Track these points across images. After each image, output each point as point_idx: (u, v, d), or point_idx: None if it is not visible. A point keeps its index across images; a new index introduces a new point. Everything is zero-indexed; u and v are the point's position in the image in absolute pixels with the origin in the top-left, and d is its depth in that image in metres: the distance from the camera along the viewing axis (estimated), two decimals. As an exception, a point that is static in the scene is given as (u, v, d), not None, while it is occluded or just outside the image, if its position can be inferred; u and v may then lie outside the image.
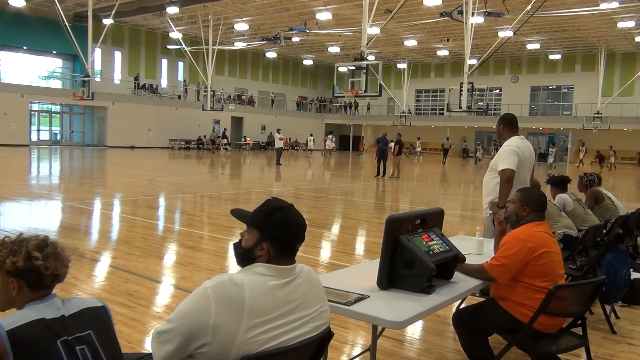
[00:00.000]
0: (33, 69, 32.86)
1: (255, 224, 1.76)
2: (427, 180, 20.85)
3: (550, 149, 31.80)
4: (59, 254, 1.69)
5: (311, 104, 48.85)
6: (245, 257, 1.77)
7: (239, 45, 37.70)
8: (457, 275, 2.87)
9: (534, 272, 2.82)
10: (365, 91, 18.04)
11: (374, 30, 22.27)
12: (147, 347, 3.33)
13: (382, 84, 19.51)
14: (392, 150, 19.70)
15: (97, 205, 10.35)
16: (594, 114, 35.16)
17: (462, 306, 3.73)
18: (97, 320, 1.73)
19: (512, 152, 4.25)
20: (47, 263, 1.64)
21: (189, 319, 1.60)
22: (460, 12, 22.39)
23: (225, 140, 37.94)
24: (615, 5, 23.96)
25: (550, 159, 30.28)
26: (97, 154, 27.32)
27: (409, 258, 2.56)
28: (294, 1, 28.31)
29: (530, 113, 42.07)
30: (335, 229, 9.01)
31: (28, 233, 1.73)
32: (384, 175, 19.03)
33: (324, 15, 28.88)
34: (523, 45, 36.77)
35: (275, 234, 1.73)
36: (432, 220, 2.90)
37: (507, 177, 4.14)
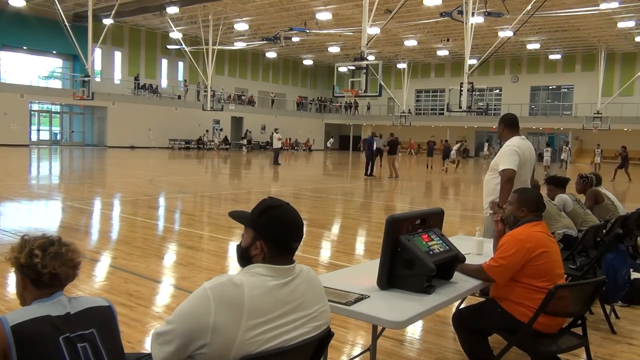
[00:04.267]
0: (33, 69, 32.88)
1: (250, 223, 1.76)
2: (427, 180, 20.84)
3: (545, 150, 31.26)
4: (61, 254, 1.70)
5: (311, 104, 48.87)
6: (243, 257, 1.77)
7: (239, 45, 37.72)
8: (457, 275, 2.87)
9: (532, 272, 2.82)
10: (365, 91, 18.05)
11: (374, 30, 22.27)
12: (147, 347, 3.33)
13: (382, 84, 19.52)
14: (388, 150, 19.68)
15: (97, 205, 10.35)
16: (594, 114, 35.17)
17: (462, 306, 3.73)
18: (101, 319, 1.75)
19: (513, 152, 4.24)
20: (45, 262, 1.66)
21: (189, 320, 1.60)
22: (460, 12, 22.40)
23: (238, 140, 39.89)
24: (615, 5, 23.98)
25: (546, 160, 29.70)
26: (97, 154, 27.32)
27: (409, 258, 2.55)
28: (294, 1, 28.32)
29: (530, 113, 42.08)
30: (335, 229, 9.01)
31: (48, 233, 1.78)
32: (371, 174, 19.01)
33: (324, 15, 28.88)
34: (523, 45, 36.79)
35: (268, 232, 1.72)
36: (432, 220, 2.90)
37: (508, 177, 4.14)
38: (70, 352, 1.61)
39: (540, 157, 34.08)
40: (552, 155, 28.54)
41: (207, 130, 38.15)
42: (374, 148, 19.99)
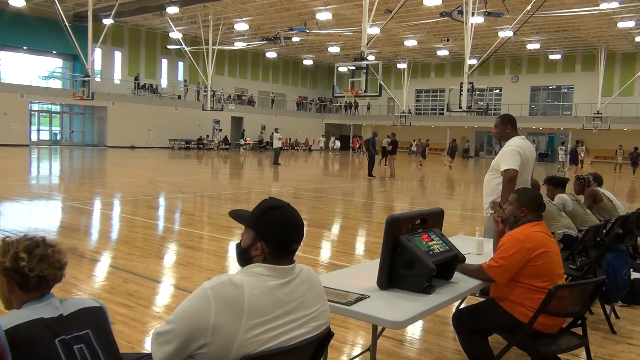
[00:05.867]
0: (33, 69, 32.87)
1: (250, 223, 1.76)
2: (427, 180, 20.85)
3: (560, 148, 31.21)
4: (47, 256, 1.67)
5: (311, 104, 48.88)
6: (243, 257, 1.77)
7: (239, 45, 37.72)
8: (457, 275, 2.87)
9: (532, 272, 2.82)
10: (365, 91, 18.05)
11: (374, 30, 22.28)
12: (147, 347, 3.33)
13: (382, 84, 19.51)
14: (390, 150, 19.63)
15: (97, 205, 10.35)
16: (594, 114, 35.17)
17: (462, 306, 3.73)
18: (95, 320, 1.73)
19: (515, 152, 4.23)
20: (32, 264, 1.63)
21: (189, 319, 1.60)
22: (460, 12, 22.40)
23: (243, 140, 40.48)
24: (615, 5, 23.98)
25: (563, 159, 29.57)
26: (97, 154, 27.32)
27: (409, 258, 2.55)
28: (294, 1, 28.32)
29: (530, 113, 42.09)
30: (335, 229, 9.01)
31: (31, 234, 1.73)
32: (370, 174, 18.97)
33: (324, 15, 28.88)
34: (523, 45, 36.78)
35: (269, 233, 1.72)
36: (432, 220, 2.90)
37: (510, 177, 4.13)
38: (67, 353, 1.59)
39: (541, 156, 34.33)
40: (565, 155, 28.55)
41: (207, 135, 38.14)
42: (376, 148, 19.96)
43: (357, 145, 44.73)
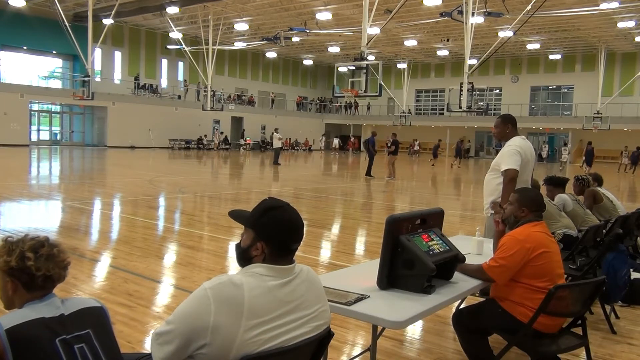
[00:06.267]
0: (33, 69, 32.87)
1: (250, 224, 1.76)
2: (426, 180, 20.84)
3: (563, 148, 31.33)
4: (53, 255, 1.68)
5: (311, 104, 48.88)
6: (243, 257, 1.77)
7: (239, 45, 37.72)
8: (457, 275, 2.87)
9: (532, 272, 2.82)
10: (365, 91, 18.05)
11: (374, 30, 22.29)
12: (147, 347, 3.33)
13: (382, 84, 19.51)
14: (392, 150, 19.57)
15: (97, 205, 10.35)
16: (594, 114, 35.18)
17: (462, 306, 3.73)
18: (96, 319, 1.73)
19: (515, 152, 4.24)
20: (39, 264, 1.64)
21: (189, 320, 1.60)
22: (460, 12, 22.40)
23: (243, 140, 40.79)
24: (615, 5, 23.98)
25: (564, 158, 29.67)
26: (97, 154, 27.31)
27: (409, 258, 2.55)
28: (294, 1, 28.32)
29: (530, 113, 42.09)
30: (335, 229, 9.01)
31: (32, 234, 1.73)
32: (369, 174, 18.90)
33: (324, 15, 28.89)
34: (523, 45, 36.79)
35: (269, 233, 1.72)
36: (432, 220, 2.90)
37: (510, 177, 4.14)
38: (68, 353, 1.60)
39: (540, 157, 34.38)
40: (567, 155, 28.69)
41: (205, 135, 38.14)
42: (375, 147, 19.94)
43: (352, 147, 45.00)
